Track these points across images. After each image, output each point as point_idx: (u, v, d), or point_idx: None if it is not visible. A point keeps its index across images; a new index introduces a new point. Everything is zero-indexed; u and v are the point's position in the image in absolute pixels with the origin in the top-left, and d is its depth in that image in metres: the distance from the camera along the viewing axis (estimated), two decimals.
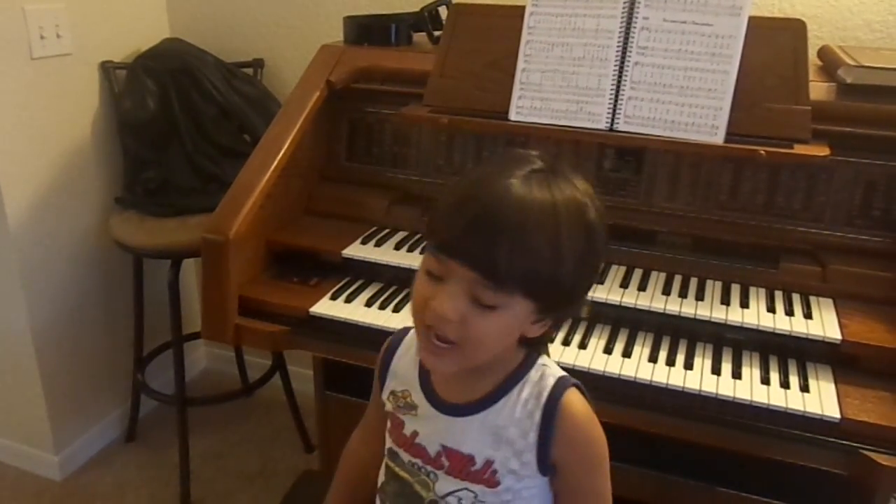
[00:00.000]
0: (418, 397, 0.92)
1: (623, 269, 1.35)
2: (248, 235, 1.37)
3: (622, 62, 1.31)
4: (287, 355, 2.17)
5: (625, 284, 1.30)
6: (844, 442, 1.07)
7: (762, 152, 1.21)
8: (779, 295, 1.28)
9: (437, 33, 1.63)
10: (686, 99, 1.27)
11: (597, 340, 1.23)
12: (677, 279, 1.32)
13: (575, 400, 0.87)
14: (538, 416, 0.85)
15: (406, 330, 0.98)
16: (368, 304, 1.34)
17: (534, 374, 0.88)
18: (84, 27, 1.95)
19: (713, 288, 1.30)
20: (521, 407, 0.86)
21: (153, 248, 1.87)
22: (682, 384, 1.14)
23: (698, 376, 1.15)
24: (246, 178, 1.42)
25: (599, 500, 0.90)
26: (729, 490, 1.30)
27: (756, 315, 1.22)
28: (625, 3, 1.30)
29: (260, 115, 2.01)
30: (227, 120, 2.03)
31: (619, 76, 1.31)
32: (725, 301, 1.26)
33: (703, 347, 1.22)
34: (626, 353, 1.20)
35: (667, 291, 1.29)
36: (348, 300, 1.35)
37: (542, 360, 0.90)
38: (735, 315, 1.22)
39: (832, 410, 1.08)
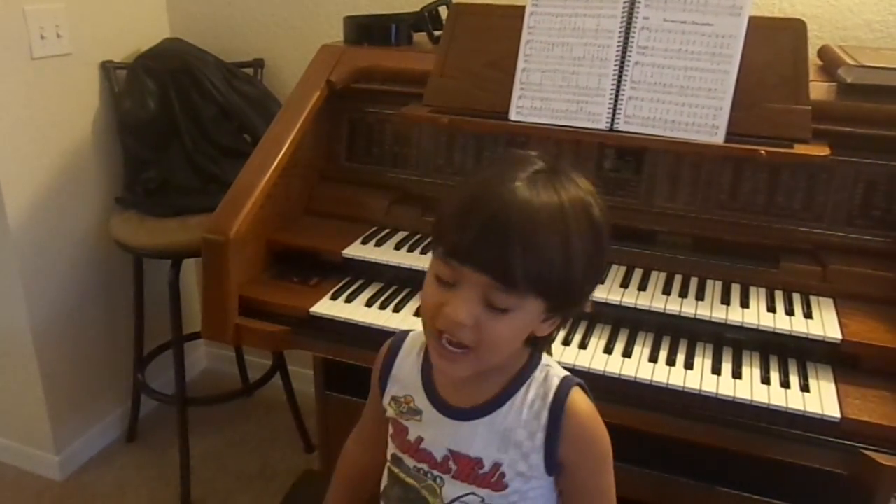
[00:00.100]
0: (422, 402, 0.91)
1: (623, 268, 1.35)
2: (248, 235, 1.37)
3: (622, 62, 1.31)
4: (287, 355, 2.17)
5: (625, 284, 1.30)
6: (845, 442, 1.07)
7: (762, 152, 1.21)
8: (779, 295, 1.28)
9: (437, 33, 1.63)
10: (686, 99, 1.27)
11: (597, 340, 1.23)
12: (677, 279, 1.32)
13: (580, 399, 0.87)
14: (545, 416, 0.86)
15: (404, 334, 0.98)
16: (369, 304, 1.34)
17: (538, 374, 0.88)
18: (84, 27, 1.95)
19: (713, 288, 1.30)
20: (527, 409, 0.86)
21: (153, 248, 1.87)
22: (682, 384, 1.14)
23: (698, 376, 1.15)
24: (246, 178, 1.42)
25: (604, 497, 0.90)
26: (729, 490, 1.29)
27: (756, 315, 1.22)
28: (625, 2, 1.30)
29: (260, 115, 2.01)
30: (227, 120, 2.03)
31: (620, 76, 1.31)
32: (726, 301, 1.26)
33: (703, 347, 1.22)
34: (627, 353, 1.20)
35: (667, 291, 1.29)
36: (348, 300, 1.35)
37: (545, 360, 0.90)
38: (735, 315, 1.22)
39: (832, 410, 1.08)
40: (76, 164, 2.00)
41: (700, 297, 1.27)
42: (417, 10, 1.68)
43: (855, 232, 1.32)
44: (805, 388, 1.12)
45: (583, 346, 1.22)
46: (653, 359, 1.19)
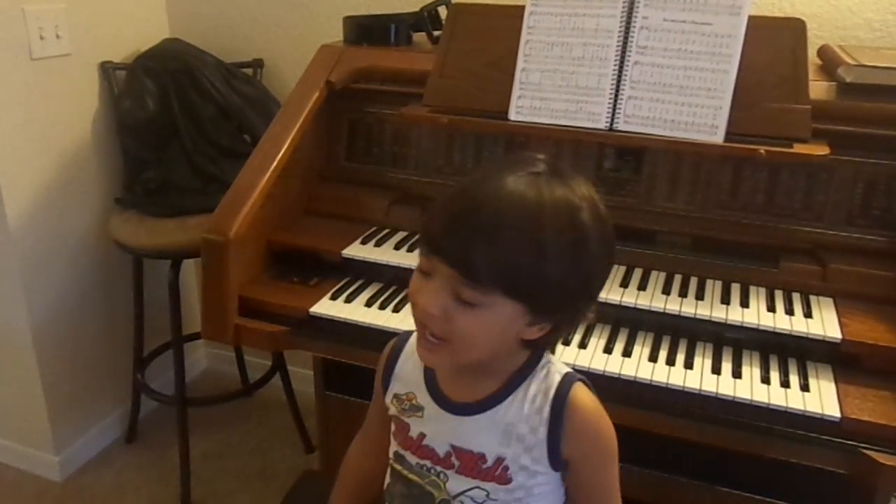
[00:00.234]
0: (424, 398, 0.92)
1: (623, 268, 1.35)
2: (248, 236, 1.37)
3: (622, 61, 1.31)
4: (287, 355, 2.17)
5: (625, 284, 1.30)
6: (845, 441, 1.07)
7: (762, 151, 1.21)
8: (779, 294, 1.28)
9: (436, 33, 1.63)
10: (686, 98, 1.27)
11: (597, 340, 1.23)
12: (677, 279, 1.32)
13: (583, 395, 0.87)
14: (547, 411, 0.86)
15: (408, 333, 0.98)
16: (368, 304, 1.34)
17: (539, 371, 0.88)
18: (84, 27, 1.95)
19: (713, 287, 1.30)
20: (528, 403, 0.86)
21: (153, 249, 1.87)
22: (682, 384, 1.14)
23: (698, 376, 1.15)
24: (246, 178, 1.42)
25: (610, 492, 0.91)
26: (729, 490, 1.30)
27: (756, 314, 1.22)
28: (624, 2, 1.30)
29: (260, 116, 2.01)
30: (226, 120, 2.03)
31: (619, 75, 1.31)
32: (725, 300, 1.26)
33: (703, 347, 1.22)
34: (626, 353, 1.20)
35: (667, 291, 1.29)
36: (348, 300, 1.35)
37: (547, 358, 0.90)
38: (735, 314, 1.22)
39: (832, 410, 1.08)
40: (76, 164, 2.00)
41: (700, 296, 1.27)
42: (417, 10, 1.68)
43: (855, 231, 1.32)
44: (805, 387, 1.12)
45: (582, 345, 1.22)
46: (653, 358, 1.19)
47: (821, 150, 1.20)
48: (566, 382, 0.87)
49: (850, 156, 1.29)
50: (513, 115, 1.38)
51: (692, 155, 1.37)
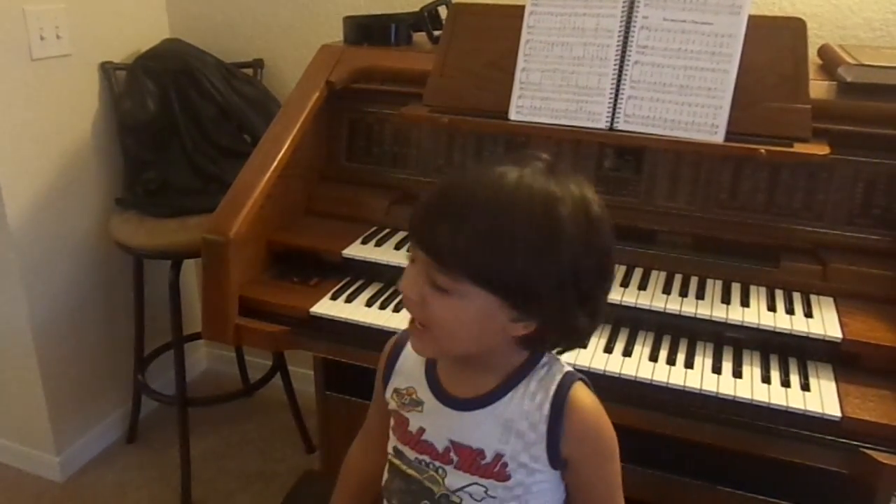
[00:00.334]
0: (424, 393, 0.92)
1: (623, 268, 1.35)
2: (248, 236, 1.37)
3: (622, 61, 1.31)
4: (288, 355, 2.17)
5: (625, 283, 1.30)
6: (845, 441, 1.07)
7: (762, 151, 1.21)
8: (779, 294, 1.28)
9: (436, 33, 1.63)
10: (686, 98, 1.27)
11: (597, 340, 1.23)
12: (678, 278, 1.32)
13: (583, 395, 0.87)
14: (547, 408, 0.86)
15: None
16: (369, 304, 1.34)
17: (540, 369, 0.88)
18: (84, 28, 1.95)
19: (713, 287, 1.30)
20: (528, 399, 0.86)
21: (153, 249, 1.87)
22: (682, 383, 1.14)
23: (699, 375, 1.15)
24: (246, 178, 1.42)
25: (611, 490, 0.91)
26: (730, 489, 1.30)
27: (756, 314, 1.22)
28: (624, 2, 1.30)
29: (260, 116, 2.01)
30: (227, 120, 2.03)
31: (619, 75, 1.31)
32: (726, 300, 1.26)
33: (703, 346, 1.22)
34: (627, 353, 1.20)
35: (667, 290, 1.29)
36: (349, 300, 1.35)
37: (549, 356, 0.90)
38: (735, 314, 1.22)
39: (833, 409, 1.08)
40: (76, 164, 2.00)
41: (700, 296, 1.27)
42: (417, 10, 1.68)
43: (855, 231, 1.32)
44: (805, 387, 1.12)
45: (583, 345, 1.21)
46: (653, 358, 1.19)
47: (821, 149, 1.20)
48: (567, 381, 0.87)
49: (851, 155, 1.29)
50: (513, 115, 1.38)
51: (692, 154, 1.37)
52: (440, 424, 0.90)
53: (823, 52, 1.49)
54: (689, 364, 1.18)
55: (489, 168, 0.80)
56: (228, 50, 2.12)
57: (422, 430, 0.91)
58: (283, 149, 1.44)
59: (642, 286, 1.30)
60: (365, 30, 1.67)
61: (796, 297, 1.27)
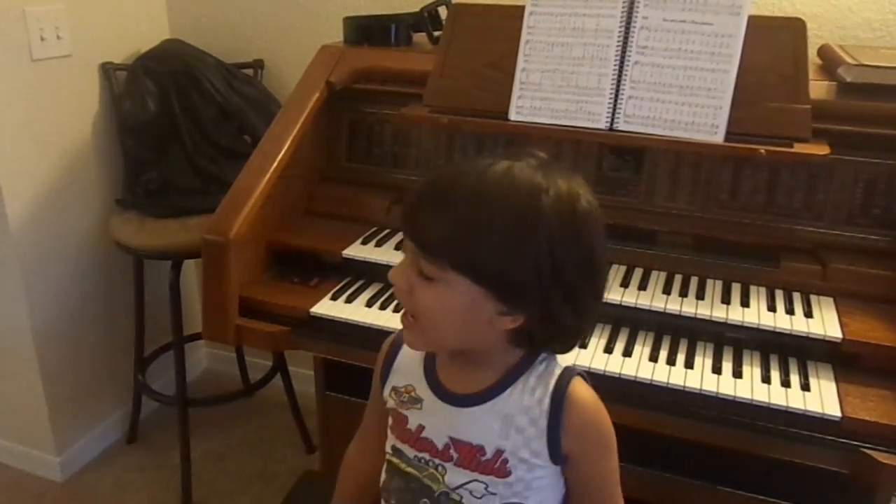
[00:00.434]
0: (423, 390, 0.92)
1: (623, 268, 1.35)
2: (248, 236, 1.37)
3: (622, 61, 1.31)
4: (288, 356, 2.17)
5: (625, 284, 1.30)
6: (845, 441, 1.07)
7: (762, 151, 1.21)
8: (779, 294, 1.28)
9: (436, 33, 1.63)
10: (686, 98, 1.27)
11: (597, 340, 1.23)
12: (678, 278, 1.32)
13: (582, 389, 0.87)
14: (547, 402, 0.86)
15: None
16: (369, 304, 1.35)
17: (539, 364, 0.88)
18: (84, 28, 1.95)
19: (714, 287, 1.30)
20: (528, 394, 0.87)
21: (154, 250, 1.87)
22: (682, 383, 1.14)
23: (699, 375, 1.15)
24: (246, 178, 1.42)
25: (610, 484, 0.91)
26: (730, 489, 1.30)
27: (757, 314, 1.22)
28: (624, 2, 1.30)
29: (260, 116, 2.01)
30: (227, 121, 2.03)
31: (619, 75, 1.31)
32: (726, 300, 1.26)
33: (703, 346, 1.22)
34: (627, 353, 1.20)
35: (667, 291, 1.29)
36: (349, 300, 1.35)
37: (545, 353, 0.90)
38: (736, 314, 1.22)
39: (833, 409, 1.08)
40: (76, 165, 2.00)
41: (700, 296, 1.27)
42: (417, 10, 1.68)
43: (855, 231, 1.32)
44: (805, 387, 1.12)
45: (583, 345, 1.22)
46: (653, 358, 1.19)
47: (821, 149, 1.20)
48: (566, 375, 0.88)
49: (851, 155, 1.29)
50: (513, 115, 1.38)
51: (692, 155, 1.37)
52: (439, 421, 0.90)
53: (823, 52, 1.49)
54: (689, 364, 1.18)
55: (479, 160, 0.81)
56: (229, 50, 2.12)
57: (421, 428, 0.91)
58: (284, 149, 1.45)
59: (642, 286, 1.30)
60: (365, 30, 1.67)
61: (796, 297, 1.27)
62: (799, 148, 1.21)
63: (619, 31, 1.30)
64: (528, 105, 1.37)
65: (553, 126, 1.35)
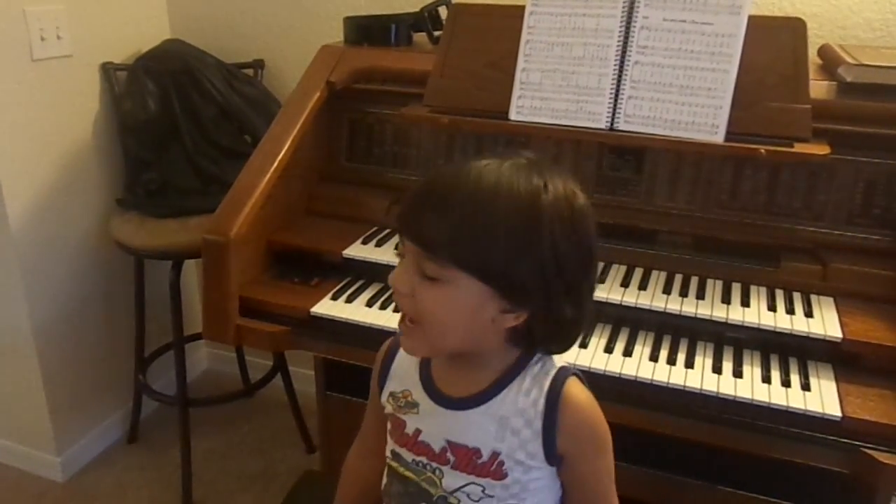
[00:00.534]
0: (419, 395, 0.92)
1: (624, 268, 1.35)
2: (248, 236, 1.37)
3: (622, 61, 1.31)
4: (288, 356, 2.17)
5: (625, 284, 1.30)
6: (846, 440, 1.07)
7: (762, 151, 1.21)
8: (780, 294, 1.28)
9: (437, 33, 1.63)
10: (686, 98, 1.27)
11: (597, 339, 1.23)
12: (678, 278, 1.32)
13: (577, 390, 0.87)
14: (542, 404, 0.86)
15: None
16: (369, 304, 1.35)
17: (534, 365, 0.88)
18: (84, 28, 1.95)
19: (714, 287, 1.30)
20: (523, 396, 0.87)
21: (154, 249, 1.87)
22: (682, 383, 1.14)
23: (699, 375, 1.15)
24: (246, 178, 1.42)
25: (605, 484, 0.91)
26: (730, 489, 1.30)
27: (757, 314, 1.22)
28: (624, 2, 1.30)
29: (260, 116, 2.01)
30: (227, 121, 2.03)
31: (619, 75, 1.31)
32: (726, 300, 1.26)
33: (703, 346, 1.22)
34: (627, 353, 1.20)
35: (667, 290, 1.29)
36: (349, 300, 1.35)
37: (540, 353, 0.90)
38: (736, 314, 1.22)
39: (833, 409, 1.08)
40: (77, 165, 2.00)
41: (701, 296, 1.27)
42: (417, 10, 1.68)
43: (855, 231, 1.32)
44: (806, 386, 1.12)
45: (583, 345, 1.22)
46: (653, 358, 1.19)
47: (821, 149, 1.20)
48: (561, 376, 0.87)
49: (851, 155, 1.29)
50: (513, 115, 1.38)
51: (693, 154, 1.37)
52: (436, 425, 0.90)
53: (823, 52, 1.49)
54: (689, 364, 1.18)
55: (474, 160, 0.81)
56: (229, 50, 2.12)
57: (418, 432, 0.91)
58: (284, 149, 1.45)
59: (643, 286, 1.30)
60: (365, 30, 1.67)
61: (796, 297, 1.27)
62: (799, 148, 1.21)
63: (620, 31, 1.30)
64: (528, 105, 1.37)
65: (553, 126, 1.35)
